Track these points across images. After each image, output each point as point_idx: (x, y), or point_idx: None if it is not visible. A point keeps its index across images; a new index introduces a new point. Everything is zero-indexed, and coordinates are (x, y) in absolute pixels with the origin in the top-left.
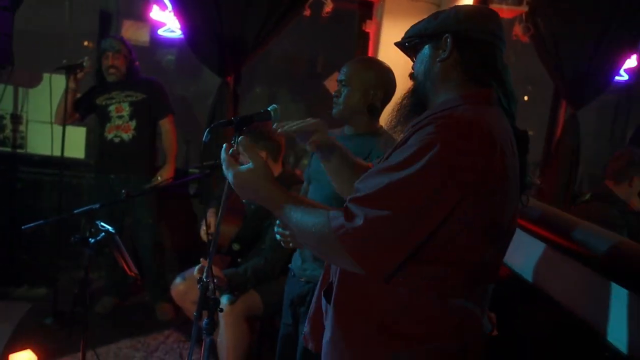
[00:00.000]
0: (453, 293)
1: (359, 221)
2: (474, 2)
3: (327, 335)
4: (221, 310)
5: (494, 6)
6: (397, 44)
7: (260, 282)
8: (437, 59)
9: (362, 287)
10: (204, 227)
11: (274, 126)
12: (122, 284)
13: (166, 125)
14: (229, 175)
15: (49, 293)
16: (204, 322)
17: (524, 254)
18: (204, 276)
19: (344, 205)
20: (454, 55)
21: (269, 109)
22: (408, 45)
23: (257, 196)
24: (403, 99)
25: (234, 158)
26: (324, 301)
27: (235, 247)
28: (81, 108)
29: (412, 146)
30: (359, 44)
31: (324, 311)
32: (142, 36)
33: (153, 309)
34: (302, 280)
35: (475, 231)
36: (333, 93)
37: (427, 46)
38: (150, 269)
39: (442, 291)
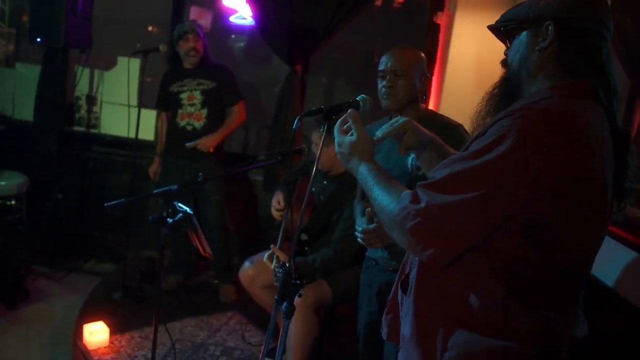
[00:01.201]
0: (527, 295)
1: (422, 204)
2: None
3: (405, 329)
4: (300, 295)
5: None
6: (490, 27)
7: (328, 273)
8: (536, 48)
9: (440, 280)
10: (274, 205)
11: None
12: (187, 263)
13: (236, 110)
14: (336, 140)
15: (116, 268)
16: (283, 307)
17: (605, 258)
18: (286, 262)
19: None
20: (554, 44)
21: (357, 98)
22: (503, 29)
23: (350, 165)
24: (494, 88)
25: (344, 131)
26: (400, 293)
27: (303, 237)
28: (162, 102)
29: (487, 137)
30: (429, 36)
31: (399, 303)
32: (205, 23)
33: (216, 290)
34: (390, 269)
35: (546, 230)
36: (382, 84)
37: (525, 32)
38: (217, 249)
39: (514, 291)
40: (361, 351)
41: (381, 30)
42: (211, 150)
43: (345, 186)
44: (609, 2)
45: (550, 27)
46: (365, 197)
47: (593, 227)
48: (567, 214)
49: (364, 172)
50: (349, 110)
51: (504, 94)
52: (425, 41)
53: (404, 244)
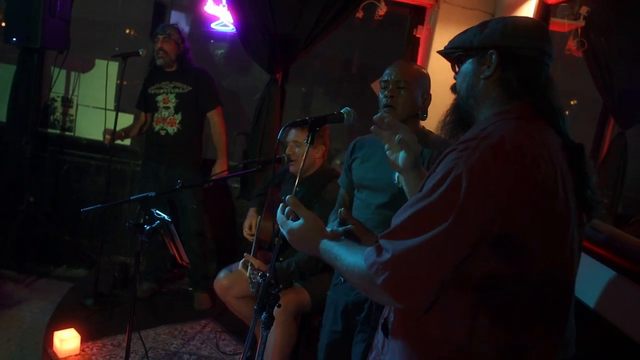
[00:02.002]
0: (503, 321)
1: (387, 255)
2: (534, 15)
3: None
4: (279, 305)
5: (555, 20)
6: (440, 52)
7: (303, 277)
8: (481, 76)
9: (417, 321)
10: (246, 229)
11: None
12: (161, 270)
13: (214, 117)
14: (284, 231)
15: (88, 274)
16: (262, 317)
17: (586, 278)
18: (260, 274)
19: (375, 242)
20: (497, 72)
21: (342, 111)
22: (452, 56)
23: (309, 247)
24: (446, 116)
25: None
26: (380, 335)
27: (279, 241)
28: (142, 103)
29: (438, 173)
30: (408, 49)
31: (379, 346)
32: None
33: (190, 297)
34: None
35: (511, 250)
36: (384, 94)
37: (470, 60)
38: (194, 257)
39: (492, 319)
40: None
41: (360, 41)
42: (224, 167)
43: (313, 188)
44: (584, 24)
45: (493, 56)
46: (340, 208)
47: (555, 237)
48: (526, 228)
49: (325, 247)
50: (287, 198)
51: (456, 120)
52: (404, 54)
53: (382, 301)
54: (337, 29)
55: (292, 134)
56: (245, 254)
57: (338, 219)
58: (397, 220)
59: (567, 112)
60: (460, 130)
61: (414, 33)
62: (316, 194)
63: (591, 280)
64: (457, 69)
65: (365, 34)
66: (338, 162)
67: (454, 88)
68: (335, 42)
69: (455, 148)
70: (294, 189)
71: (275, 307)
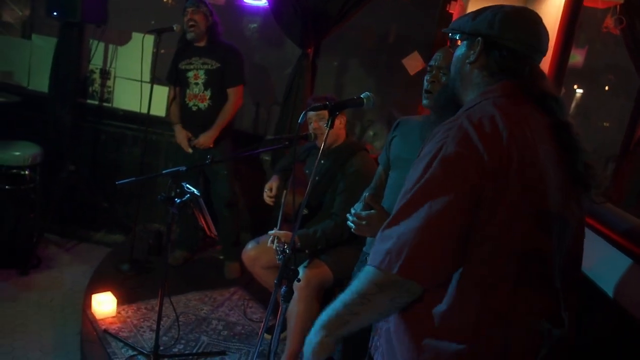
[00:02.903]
0: (498, 288)
1: (391, 241)
2: None
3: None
4: (299, 280)
5: None
6: (444, 31)
7: (329, 244)
8: (467, 60)
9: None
10: (266, 190)
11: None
12: (194, 239)
13: (232, 95)
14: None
15: (125, 240)
16: (282, 290)
17: (607, 267)
18: (286, 248)
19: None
20: (481, 58)
21: (362, 95)
22: (451, 36)
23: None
24: (437, 95)
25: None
26: None
27: (304, 211)
28: (173, 78)
29: (426, 155)
30: (440, 25)
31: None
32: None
33: (221, 266)
34: None
35: (508, 219)
36: (427, 78)
37: (463, 43)
38: (226, 224)
39: (485, 289)
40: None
41: (395, 15)
42: (209, 143)
43: (337, 161)
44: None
45: (479, 42)
46: (374, 188)
47: (563, 209)
48: (520, 197)
49: (337, 319)
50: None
51: (444, 100)
52: (436, 30)
53: (406, 296)
54: (372, 2)
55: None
56: (270, 231)
57: (363, 203)
58: (396, 207)
59: (606, 88)
60: (448, 111)
61: (447, 9)
62: (340, 167)
63: (610, 268)
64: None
65: (401, 6)
66: (371, 133)
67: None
68: (371, 14)
69: (441, 129)
70: (317, 161)
71: (296, 282)
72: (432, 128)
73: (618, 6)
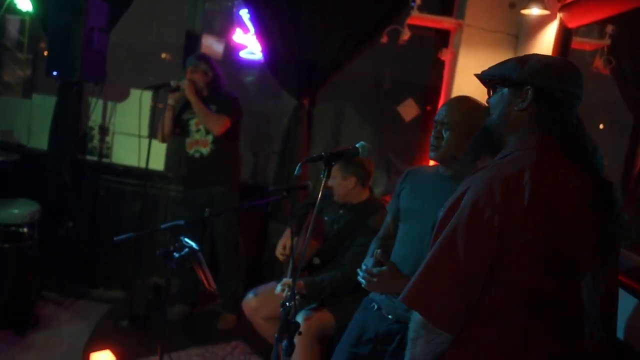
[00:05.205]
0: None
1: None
2: (555, 37)
3: None
4: (300, 333)
5: (577, 40)
6: (478, 76)
7: (334, 294)
8: (516, 108)
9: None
10: (279, 248)
11: None
12: (194, 293)
13: (218, 118)
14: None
15: (124, 296)
16: (283, 344)
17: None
18: (286, 300)
19: None
20: (531, 106)
21: (357, 145)
22: (489, 81)
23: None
24: (477, 134)
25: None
26: None
27: (316, 260)
28: (177, 121)
29: (454, 204)
30: (433, 72)
31: None
32: (217, 51)
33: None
34: (390, 317)
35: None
36: (433, 134)
37: (507, 90)
38: (227, 277)
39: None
40: None
41: (389, 61)
42: (191, 87)
43: (359, 216)
44: (609, 42)
45: (529, 92)
46: (382, 238)
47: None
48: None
49: None
50: (377, 251)
51: (483, 142)
52: (429, 76)
53: (431, 335)
54: (371, 51)
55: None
56: (284, 279)
57: (373, 259)
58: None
59: (601, 126)
60: (485, 151)
61: (439, 56)
62: (360, 223)
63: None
64: (491, 93)
65: (395, 53)
66: (378, 190)
67: (487, 110)
68: (365, 60)
69: (470, 184)
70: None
71: (296, 335)
72: (452, 182)
73: (605, 47)
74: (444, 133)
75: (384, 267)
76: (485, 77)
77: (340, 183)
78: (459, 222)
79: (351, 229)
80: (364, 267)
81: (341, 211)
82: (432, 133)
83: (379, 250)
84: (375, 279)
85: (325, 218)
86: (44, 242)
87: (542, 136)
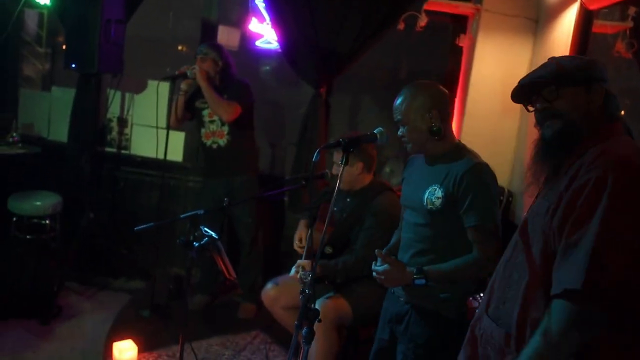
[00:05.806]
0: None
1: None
2: (575, 20)
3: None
4: (319, 321)
5: (598, 22)
6: (524, 82)
7: (348, 277)
8: (591, 105)
9: None
10: (296, 241)
11: None
12: (215, 283)
13: (229, 105)
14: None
15: (145, 286)
16: (303, 332)
17: None
18: (306, 288)
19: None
20: (602, 102)
21: (375, 131)
22: (540, 83)
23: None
24: (549, 141)
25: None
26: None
27: (328, 250)
28: (191, 108)
29: (584, 201)
30: (451, 58)
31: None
32: (233, 41)
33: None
34: (402, 299)
35: None
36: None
37: (571, 90)
38: (247, 267)
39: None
40: None
41: (405, 49)
42: (203, 73)
43: (365, 200)
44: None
45: (602, 88)
46: (400, 229)
47: None
48: None
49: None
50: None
51: (561, 145)
52: (447, 63)
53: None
54: (388, 38)
55: (334, 153)
56: (298, 261)
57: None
58: (567, 273)
59: (622, 112)
60: (562, 155)
61: (457, 42)
62: (366, 206)
63: None
64: (534, 97)
65: (411, 43)
66: (388, 170)
67: (554, 114)
68: (382, 51)
69: (589, 170)
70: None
71: (317, 322)
72: (437, 165)
73: (627, 30)
74: (403, 130)
75: (386, 266)
76: (540, 80)
77: (347, 169)
78: (612, 207)
79: (359, 214)
80: (374, 267)
81: (348, 199)
82: (399, 133)
83: (378, 250)
84: (383, 277)
85: (335, 208)
86: (65, 234)
87: (616, 124)
